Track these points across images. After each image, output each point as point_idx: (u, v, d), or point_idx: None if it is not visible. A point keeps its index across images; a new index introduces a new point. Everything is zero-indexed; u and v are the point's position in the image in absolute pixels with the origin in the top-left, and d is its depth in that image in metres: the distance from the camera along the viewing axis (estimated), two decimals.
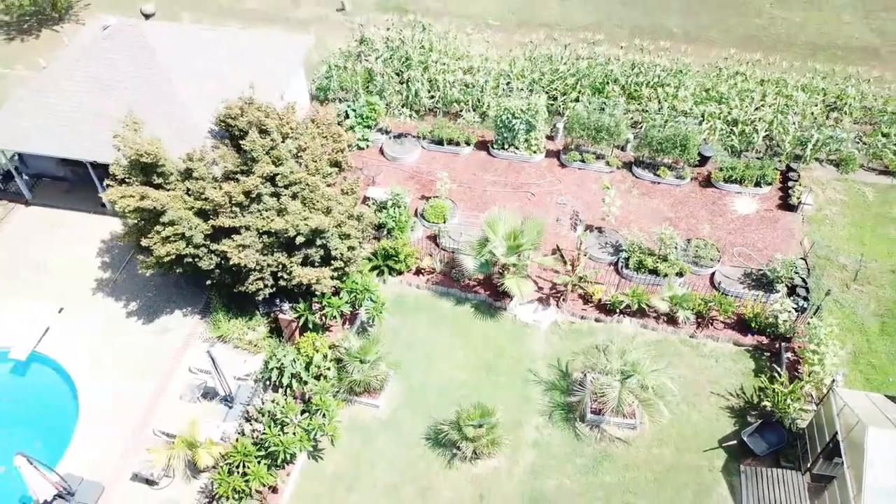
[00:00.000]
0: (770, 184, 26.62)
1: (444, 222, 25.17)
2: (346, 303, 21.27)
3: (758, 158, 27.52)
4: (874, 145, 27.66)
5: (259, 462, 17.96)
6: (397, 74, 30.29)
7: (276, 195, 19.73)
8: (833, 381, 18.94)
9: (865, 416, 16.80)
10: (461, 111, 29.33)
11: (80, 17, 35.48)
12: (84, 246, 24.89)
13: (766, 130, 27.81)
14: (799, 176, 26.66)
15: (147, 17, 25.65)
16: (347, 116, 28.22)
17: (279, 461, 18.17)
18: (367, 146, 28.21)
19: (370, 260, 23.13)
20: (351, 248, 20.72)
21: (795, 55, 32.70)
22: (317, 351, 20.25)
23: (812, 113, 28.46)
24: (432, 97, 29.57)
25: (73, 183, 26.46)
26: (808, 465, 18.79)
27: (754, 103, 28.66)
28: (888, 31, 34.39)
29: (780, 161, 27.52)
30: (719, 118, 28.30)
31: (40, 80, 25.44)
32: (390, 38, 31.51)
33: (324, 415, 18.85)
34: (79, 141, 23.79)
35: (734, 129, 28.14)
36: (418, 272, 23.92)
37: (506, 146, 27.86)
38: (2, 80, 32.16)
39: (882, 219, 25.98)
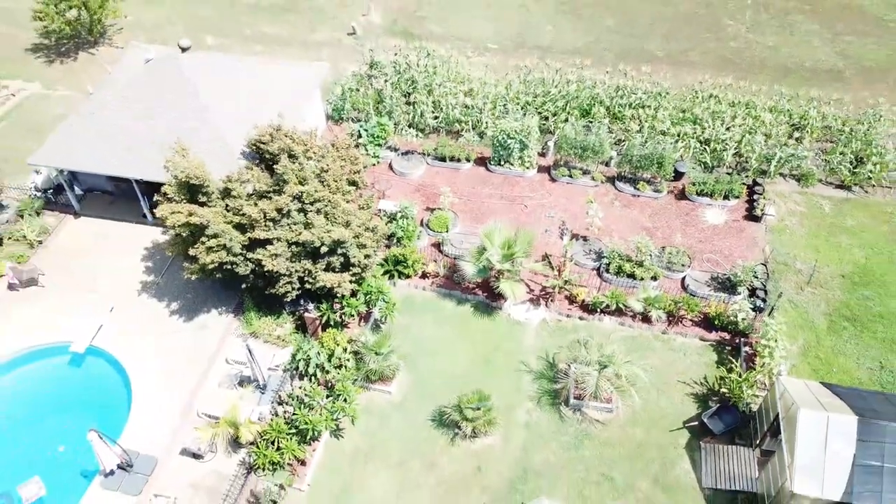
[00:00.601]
0: (737, 197, 29.86)
1: (447, 231, 28.44)
2: (363, 303, 24.59)
3: (727, 174, 30.78)
4: (832, 162, 30.92)
5: (290, 438, 21.26)
6: (404, 96, 33.56)
7: (303, 211, 23.01)
8: (779, 370, 22.20)
9: (800, 400, 20.05)
10: (462, 131, 32.59)
11: (113, 41, 38.78)
12: (128, 253, 28.18)
13: (735, 148, 31.09)
14: (763, 190, 29.90)
15: (183, 49, 28.81)
16: (360, 136, 31.49)
17: (307, 438, 21.49)
18: (378, 163, 31.47)
19: (382, 265, 26.41)
20: (367, 256, 24.03)
21: (767, 77, 35.90)
22: (337, 344, 23.54)
23: (777, 132, 31.68)
24: (436, 118, 32.85)
25: (116, 196, 29.75)
26: (758, 441, 22.08)
27: (725, 123, 31.90)
28: (852, 55, 37.56)
29: (747, 176, 30.77)
30: (693, 137, 31.55)
31: (90, 105, 28.73)
32: (398, 63, 34.75)
33: (344, 399, 22.15)
34: (126, 160, 27.08)
35: (707, 147, 31.41)
36: (424, 276, 27.19)
37: (502, 162, 31.13)
38: (45, 100, 35.43)
39: (835, 228, 29.21)
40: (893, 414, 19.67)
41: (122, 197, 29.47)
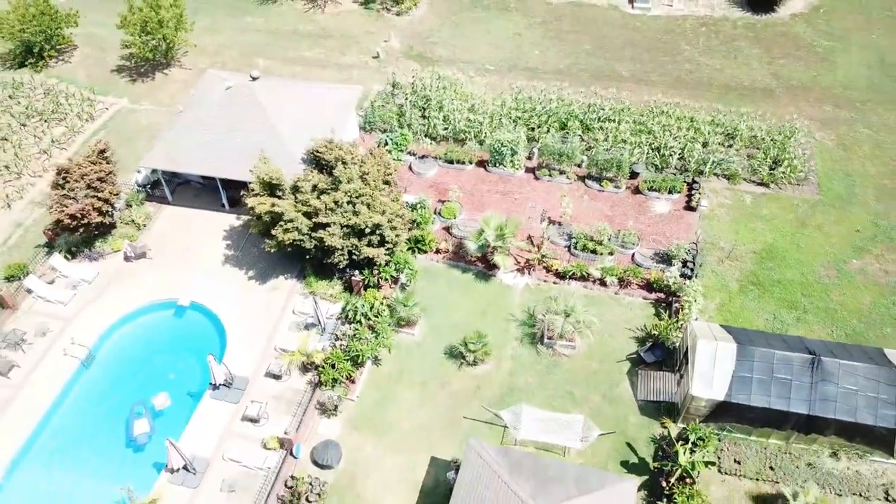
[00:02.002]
0: (679, 192, 38.61)
1: (455, 218, 37.25)
2: (393, 270, 33.49)
3: (672, 174, 39.55)
4: (755, 164, 39.64)
5: (345, 362, 30.20)
6: (420, 111, 42.34)
7: (352, 203, 31.85)
8: (694, 318, 31.06)
9: (701, 335, 28.93)
10: (466, 139, 41.38)
11: (182, 63, 47.52)
12: (212, 234, 37.06)
13: (679, 154, 39.83)
14: (700, 186, 38.63)
15: (254, 78, 37.40)
16: (387, 143, 40.29)
17: (357, 362, 30.43)
18: (400, 165, 40.27)
19: (407, 243, 35.22)
20: (397, 236, 32.91)
21: (712, 94, 44.57)
22: (376, 300, 32.43)
23: (713, 141, 40.40)
24: (445, 129, 41.61)
25: (201, 190, 38.62)
26: (677, 367, 30.94)
27: (672, 134, 40.65)
28: (783, 76, 46.19)
29: (687, 175, 39.50)
30: (647, 145, 40.28)
31: (183, 121, 37.50)
32: (415, 84, 43.49)
33: (383, 336, 31.07)
34: (213, 163, 35.95)
35: (657, 153, 40.13)
36: (437, 252, 36.03)
37: (497, 164, 39.92)
38: (134, 113, 44.24)
39: (753, 217, 37.94)
40: (762, 343, 28.59)
41: (206, 190, 38.35)
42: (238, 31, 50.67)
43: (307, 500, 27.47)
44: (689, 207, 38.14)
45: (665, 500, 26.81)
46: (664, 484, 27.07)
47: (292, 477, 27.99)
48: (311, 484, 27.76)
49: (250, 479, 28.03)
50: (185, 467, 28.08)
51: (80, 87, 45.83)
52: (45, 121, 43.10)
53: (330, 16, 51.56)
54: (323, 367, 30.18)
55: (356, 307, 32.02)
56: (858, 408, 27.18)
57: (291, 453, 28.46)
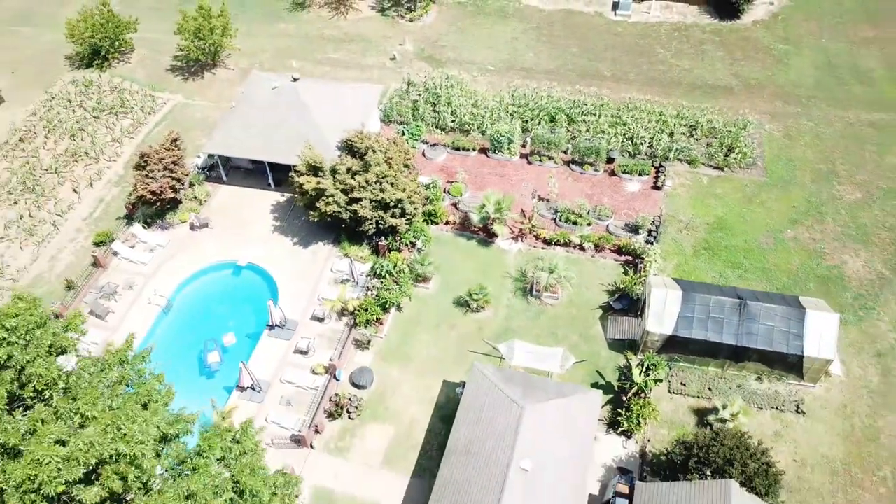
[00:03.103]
0: (648, 174, 46.39)
1: (461, 195, 45.08)
2: (412, 237, 41.39)
3: (643, 159, 47.31)
4: (711, 151, 47.37)
5: (375, 307, 38.14)
6: (432, 106, 50.10)
7: (379, 182, 39.68)
8: (652, 273, 38.96)
9: (655, 285, 36.83)
10: (470, 130, 49.16)
11: (226, 64, 55.24)
12: (261, 208, 44.93)
13: (648, 143, 47.59)
14: (665, 169, 46.41)
15: (295, 79, 45.08)
16: (404, 133, 48.09)
17: (385, 307, 38.37)
18: (415, 152, 48.00)
19: (423, 215, 43.04)
20: (415, 209, 40.80)
21: (681, 92, 52.22)
22: (398, 260, 40.33)
23: (678, 132, 48.13)
24: (453, 121, 49.39)
25: (250, 171, 46.47)
26: (639, 312, 38.85)
27: (644, 126, 48.41)
28: (742, 75, 53.78)
29: (655, 160, 47.25)
30: (622, 135, 48.05)
31: (236, 114, 45.30)
32: (426, 83, 51.23)
33: (404, 288, 38.99)
34: (262, 150, 43.80)
35: (630, 141, 47.89)
36: (447, 223, 43.88)
37: (496, 151, 47.71)
38: (188, 107, 52.03)
39: (708, 195, 45.71)
40: (703, 291, 36.48)
41: (255, 172, 46.23)
42: (272, 36, 58.36)
43: (347, 411, 35.51)
44: (656, 187, 45.89)
45: (624, 409, 34.82)
46: (624, 398, 35.10)
47: (336, 394, 36.02)
48: (350, 399, 35.79)
49: (303, 396, 36.10)
50: (251, 387, 36.09)
51: (141, 84, 53.64)
52: (115, 114, 50.91)
53: (351, 22, 59.18)
54: (358, 312, 38.13)
55: (382, 266, 39.94)
56: (775, 340, 35.11)
57: (335, 377, 36.48)
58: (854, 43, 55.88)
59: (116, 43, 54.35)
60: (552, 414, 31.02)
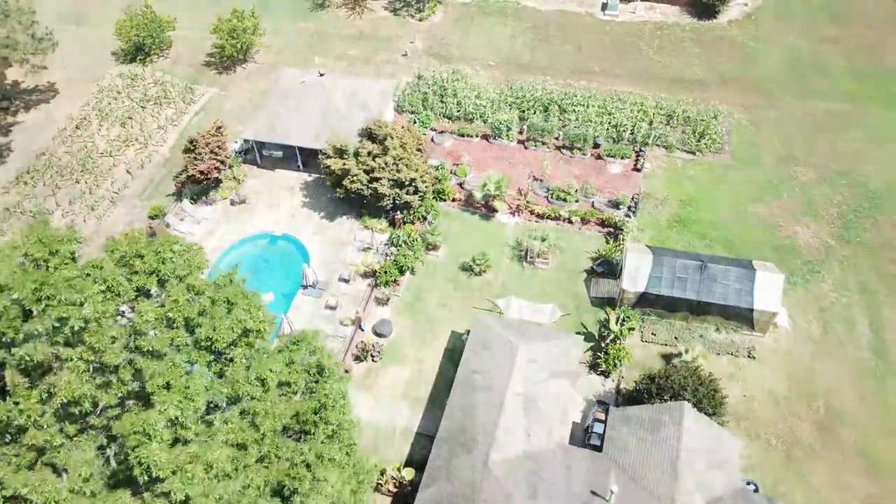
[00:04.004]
0: (629, 158, 52.96)
1: (466, 176, 51.70)
2: (423, 211, 48.06)
3: (625, 145, 53.86)
4: (686, 138, 53.89)
5: (393, 269, 44.83)
6: (439, 97, 56.63)
7: (396, 163, 46.29)
8: (629, 241, 45.63)
9: (630, 249, 43.51)
10: (474, 119, 55.72)
11: (255, 59, 61.72)
12: (291, 187, 51.59)
13: (630, 130, 54.12)
14: (644, 154, 52.94)
15: (321, 75, 51.58)
16: (415, 122, 54.65)
17: (401, 270, 45.08)
18: (425, 138, 54.55)
19: (432, 193, 49.68)
20: (426, 188, 47.45)
21: (661, 85, 58.64)
22: (412, 231, 47.01)
23: (656, 121, 54.64)
24: (458, 111, 55.93)
25: (280, 156, 53.07)
26: (618, 275, 45.52)
27: (626, 115, 54.93)
28: (717, 70, 60.17)
29: (636, 146, 53.80)
30: (608, 123, 54.58)
31: (269, 105, 51.88)
32: (434, 76, 57.75)
33: (417, 254, 45.68)
34: (293, 136, 50.42)
35: (615, 129, 54.43)
36: (453, 200, 50.50)
37: (496, 138, 54.28)
38: (222, 99, 58.59)
39: (682, 176, 52.30)
40: (671, 255, 43.17)
41: (285, 156, 52.85)
42: (295, 34, 64.80)
43: (371, 355, 42.28)
44: (636, 169, 52.48)
45: (603, 353, 41.57)
46: (602, 344, 41.87)
47: (361, 341, 42.78)
48: (373, 346, 42.55)
49: (333, 343, 42.84)
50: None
51: (180, 78, 60.19)
52: (158, 104, 57.49)
53: (366, 21, 65.61)
54: (379, 273, 44.87)
55: (398, 236, 46.65)
56: (730, 296, 41.82)
57: (360, 327, 43.24)
58: (819, 41, 62.23)
59: (157, 40, 60.77)
60: (542, 352, 37.79)
